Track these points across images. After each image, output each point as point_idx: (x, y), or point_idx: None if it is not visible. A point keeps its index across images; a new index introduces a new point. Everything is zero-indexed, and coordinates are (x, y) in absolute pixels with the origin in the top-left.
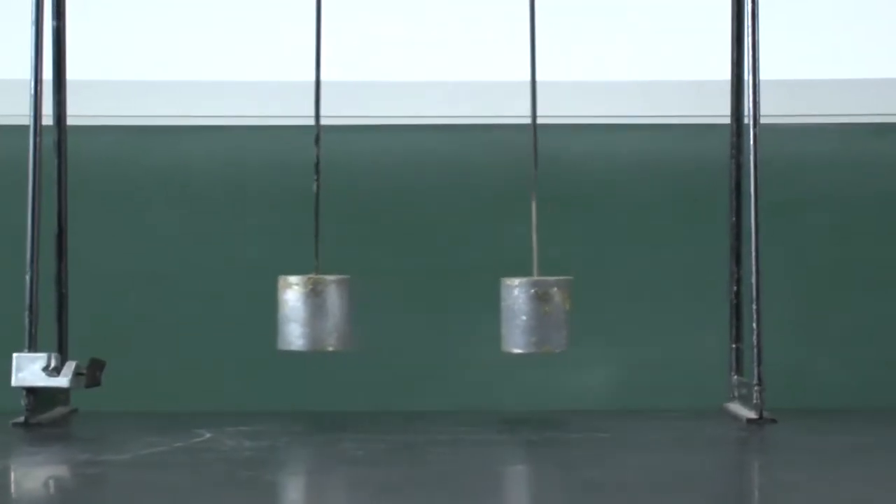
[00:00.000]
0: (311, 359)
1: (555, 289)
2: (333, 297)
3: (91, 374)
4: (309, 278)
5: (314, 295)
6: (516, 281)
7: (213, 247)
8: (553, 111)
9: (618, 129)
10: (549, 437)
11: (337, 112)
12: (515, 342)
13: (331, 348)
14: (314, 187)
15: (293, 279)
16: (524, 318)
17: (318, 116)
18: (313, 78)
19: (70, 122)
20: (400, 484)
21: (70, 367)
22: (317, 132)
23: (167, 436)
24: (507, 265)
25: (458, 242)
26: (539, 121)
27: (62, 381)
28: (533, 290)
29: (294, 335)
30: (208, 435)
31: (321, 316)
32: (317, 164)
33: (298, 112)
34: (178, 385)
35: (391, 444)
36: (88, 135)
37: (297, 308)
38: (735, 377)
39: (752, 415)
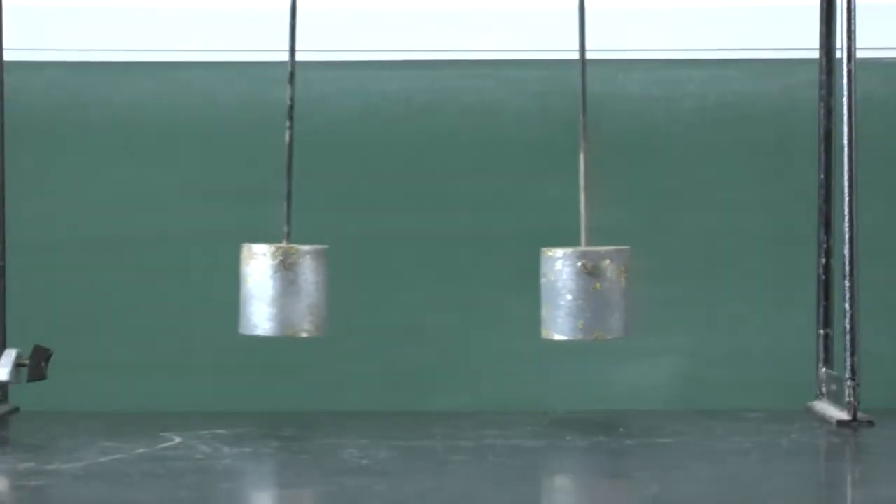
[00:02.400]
0: (303, 348)
1: (608, 261)
2: (308, 272)
3: (34, 366)
4: (278, 248)
5: (284, 268)
6: (559, 252)
7: (177, 209)
8: (602, 43)
9: (680, 66)
10: (597, 442)
11: (323, 45)
12: (558, 327)
13: (304, 334)
14: (286, 136)
15: (259, 248)
16: (569, 297)
17: (293, 50)
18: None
19: (7, 56)
20: (412, 499)
21: (9, 356)
22: (291, 69)
23: (127, 441)
24: (544, 231)
25: (482, 203)
26: (587, 55)
27: None
28: (580, 263)
29: (259, 316)
30: (177, 440)
31: (293, 294)
32: (290, 108)
33: (277, 45)
34: (140, 379)
35: (402, 451)
36: (26, 71)
37: (264, 284)
38: (823, 370)
39: (844, 416)
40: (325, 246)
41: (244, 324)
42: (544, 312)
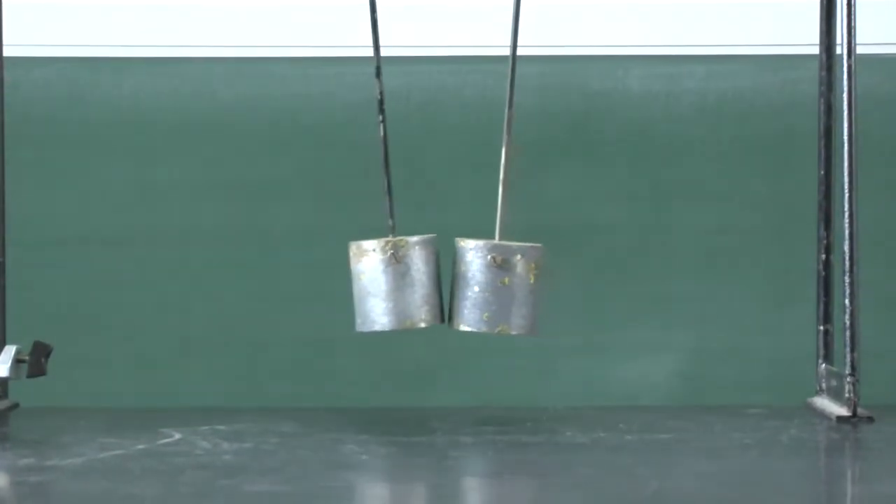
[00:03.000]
0: (301, 344)
1: (518, 256)
2: (419, 263)
3: (34, 362)
4: (387, 241)
5: (395, 261)
6: (472, 243)
7: (176, 205)
8: (602, 39)
9: (680, 61)
10: (597, 438)
11: (323, 41)
12: (464, 318)
13: (422, 324)
14: (380, 129)
15: (368, 244)
16: (477, 288)
17: (377, 45)
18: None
19: (7, 52)
20: (412, 494)
21: (8, 352)
22: (377, 63)
23: (127, 436)
24: (545, 227)
25: (482, 199)
26: (586, 51)
27: None
28: (490, 256)
29: (377, 312)
30: (177, 436)
31: (406, 286)
32: (380, 102)
33: (276, 42)
34: (140, 375)
35: (401, 447)
36: (25, 67)
37: (377, 279)
38: (823, 366)
39: (844, 412)
40: (433, 235)
41: (361, 321)
42: (452, 302)
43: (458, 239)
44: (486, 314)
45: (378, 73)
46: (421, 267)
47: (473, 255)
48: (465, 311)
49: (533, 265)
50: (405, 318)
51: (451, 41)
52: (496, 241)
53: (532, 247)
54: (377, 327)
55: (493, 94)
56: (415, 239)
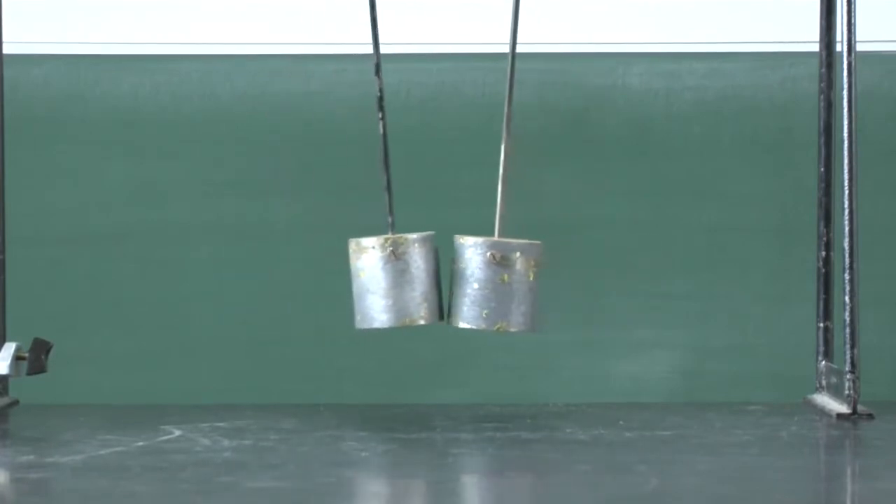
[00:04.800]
0: (301, 341)
1: (517, 254)
2: (418, 260)
3: (34, 359)
4: (387, 238)
5: (395, 258)
6: (470, 240)
7: (176, 202)
8: (602, 36)
9: (681, 59)
10: (596, 435)
11: (323, 38)
12: (463, 315)
13: (421, 322)
14: (380, 127)
15: (368, 241)
16: (476, 285)
17: (376, 42)
18: None
19: (6, 50)
20: (412, 491)
21: (8, 349)
22: (377, 60)
23: (127, 433)
24: (544, 224)
25: (481, 196)
26: (586, 48)
27: None
28: (490, 253)
29: (376, 309)
30: (177, 432)
31: (406, 283)
32: (380, 99)
33: (276, 39)
34: (140, 372)
35: (402, 444)
36: (25, 65)
37: (376, 276)
38: (823, 363)
39: (844, 408)
40: (432, 232)
41: (360, 318)
42: (452, 300)
43: (457, 236)
44: (486, 311)
45: (378, 71)
46: (420, 264)
47: (472, 252)
48: (465, 309)
49: (532, 262)
50: (404, 316)
51: (450, 38)
52: (495, 238)
53: (531, 244)
54: (376, 324)
55: (492, 92)
56: (414, 236)
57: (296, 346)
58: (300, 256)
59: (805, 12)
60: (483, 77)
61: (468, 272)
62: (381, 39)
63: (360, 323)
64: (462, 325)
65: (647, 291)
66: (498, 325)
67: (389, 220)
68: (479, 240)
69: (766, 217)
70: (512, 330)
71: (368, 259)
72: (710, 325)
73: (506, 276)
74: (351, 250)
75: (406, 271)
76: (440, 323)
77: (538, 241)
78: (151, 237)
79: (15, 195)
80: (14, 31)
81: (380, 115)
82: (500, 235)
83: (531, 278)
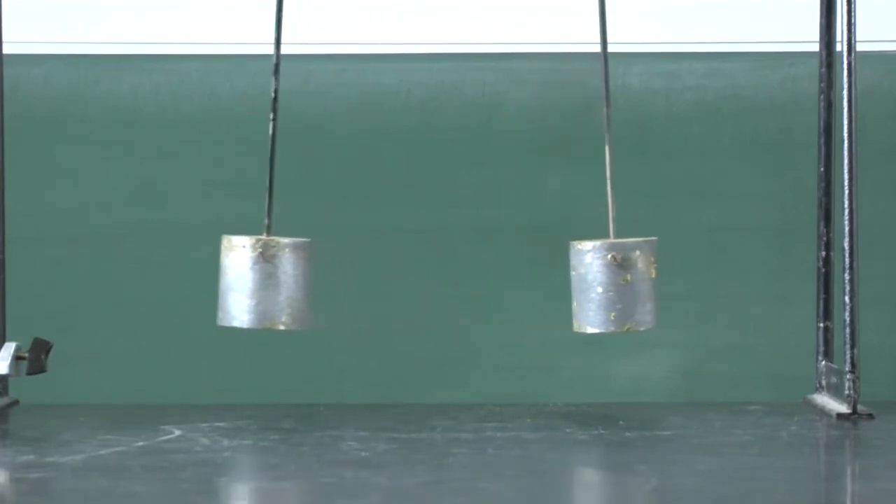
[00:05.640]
0: (301, 341)
1: (637, 252)
2: (287, 265)
3: (34, 359)
4: (258, 239)
5: (263, 260)
6: (588, 245)
7: (176, 202)
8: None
9: (681, 58)
10: (596, 435)
11: (322, 38)
12: (590, 320)
13: (282, 327)
14: (270, 128)
15: (239, 240)
16: (600, 289)
17: (278, 42)
18: None
19: (6, 50)
20: (412, 490)
21: (8, 349)
22: (276, 61)
23: (127, 433)
24: (545, 223)
25: (481, 196)
26: (587, 48)
27: None
28: (610, 255)
29: (238, 308)
30: (177, 432)
31: (271, 286)
32: (274, 100)
33: (284, 38)
34: (140, 372)
35: (402, 443)
36: (25, 65)
37: (243, 276)
38: (823, 363)
39: (844, 408)
40: (306, 239)
41: (222, 315)
42: (575, 305)
43: (573, 242)
44: (613, 314)
45: (276, 71)
46: (289, 269)
47: (592, 256)
48: (591, 314)
49: (651, 259)
50: (266, 319)
51: (450, 38)
52: (612, 239)
53: (647, 241)
54: (236, 323)
55: (492, 92)
56: (287, 241)
57: (296, 346)
58: None
59: (805, 12)
60: (483, 77)
61: (590, 277)
62: (380, 39)
63: (221, 320)
64: (591, 330)
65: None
66: (626, 326)
67: (266, 221)
68: (598, 243)
69: (766, 217)
70: (640, 329)
71: (237, 257)
72: (710, 325)
73: (629, 277)
74: (222, 247)
75: (273, 274)
76: (300, 330)
77: (654, 238)
78: (151, 237)
79: (15, 195)
80: (14, 31)
81: (271, 117)
82: (614, 237)
83: (652, 275)
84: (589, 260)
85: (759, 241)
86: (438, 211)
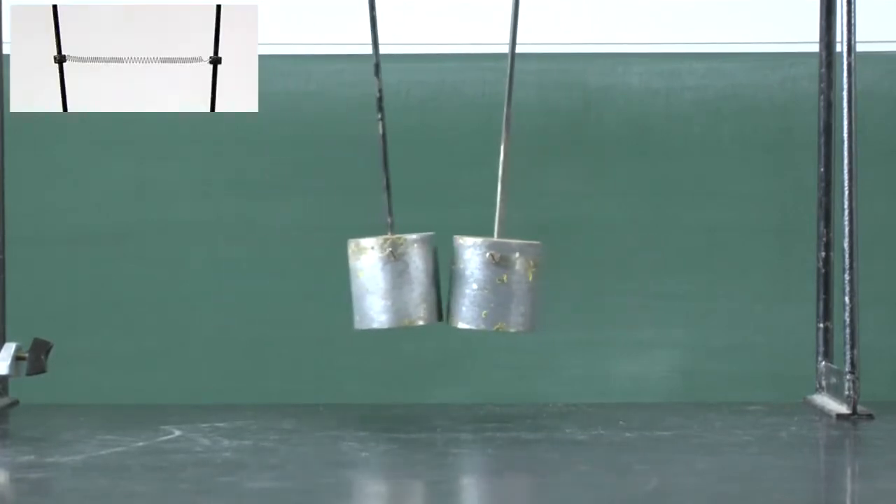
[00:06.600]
0: (301, 341)
1: (517, 254)
2: (417, 260)
3: (34, 359)
4: (386, 239)
5: (394, 258)
6: (469, 241)
7: (176, 201)
8: (603, 36)
9: (681, 58)
10: (596, 435)
11: (322, 38)
12: (462, 315)
13: (420, 322)
14: (379, 127)
15: (367, 241)
16: (475, 286)
17: (375, 42)
18: None
19: (6, 50)
20: (412, 491)
21: (8, 350)
22: (376, 60)
23: (127, 433)
24: (545, 223)
25: (481, 196)
26: (587, 48)
27: None
28: (489, 254)
29: (375, 310)
30: (177, 432)
31: (405, 284)
32: (379, 100)
33: (274, 39)
34: (140, 372)
35: (402, 444)
36: None
37: (375, 277)
38: (823, 363)
39: (844, 409)
40: (431, 233)
41: (360, 319)
42: (451, 300)
43: (456, 237)
44: (485, 311)
45: (377, 71)
46: (419, 265)
47: (472, 252)
48: (464, 309)
49: (531, 262)
50: (403, 317)
51: (451, 38)
52: (494, 238)
53: (530, 244)
54: (375, 325)
55: (492, 91)
56: (413, 237)
57: (296, 346)
58: (300, 256)
59: (805, 12)
60: (483, 77)
61: (467, 272)
62: (380, 40)
63: (360, 323)
64: (461, 325)
65: (647, 291)
66: (497, 326)
67: (389, 220)
68: (479, 240)
69: (766, 217)
70: (511, 330)
71: (367, 259)
72: (710, 325)
73: (505, 277)
74: (350, 251)
75: (405, 272)
76: (439, 323)
77: (537, 242)
78: (151, 237)
79: (15, 195)
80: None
81: (379, 116)
82: (500, 236)
83: (530, 279)
84: (468, 256)
85: (759, 241)
86: (438, 211)
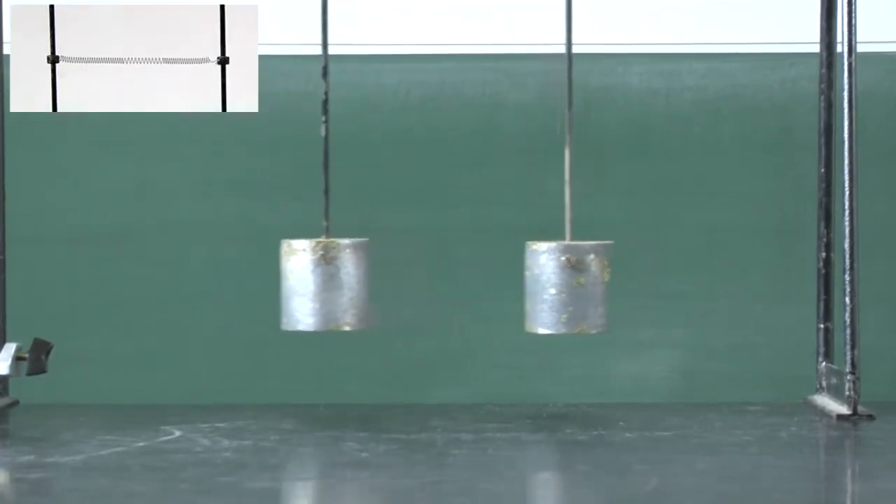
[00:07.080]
0: (301, 340)
1: (591, 256)
2: (349, 266)
3: (34, 359)
4: (318, 242)
5: (325, 262)
6: (544, 245)
7: (176, 201)
8: (603, 36)
9: (681, 59)
10: (596, 436)
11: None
12: (542, 320)
13: (347, 328)
14: (322, 130)
15: (299, 244)
16: (553, 291)
17: (325, 44)
18: None
19: (6, 50)
20: (412, 491)
21: (8, 350)
22: (324, 62)
23: (127, 433)
24: (544, 224)
25: (481, 196)
26: (584, 49)
27: None
28: (564, 258)
29: (302, 312)
30: (177, 433)
31: (334, 288)
32: (325, 102)
33: (274, 39)
34: (140, 372)
35: (402, 444)
36: None
37: (305, 279)
38: (823, 364)
39: (844, 409)
40: (365, 239)
41: (287, 320)
42: (528, 306)
43: (529, 242)
44: (564, 316)
45: (325, 74)
46: (351, 270)
47: (547, 257)
48: (543, 315)
49: (605, 262)
50: (331, 321)
51: (451, 38)
52: (567, 241)
53: (603, 244)
54: (301, 327)
55: (492, 91)
56: (347, 241)
57: (296, 346)
58: None
59: (805, 12)
60: (483, 77)
61: (543, 278)
62: (381, 40)
63: (286, 325)
64: (542, 330)
65: (647, 291)
66: (578, 329)
67: (325, 223)
68: (552, 244)
69: (766, 217)
70: (592, 332)
71: (298, 261)
72: (710, 325)
73: (581, 279)
74: (282, 251)
75: (335, 276)
76: (366, 329)
77: (609, 241)
78: (151, 237)
79: (15, 195)
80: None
81: (323, 119)
82: (570, 238)
83: (605, 279)
84: (543, 261)
85: (759, 241)
86: (438, 211)
